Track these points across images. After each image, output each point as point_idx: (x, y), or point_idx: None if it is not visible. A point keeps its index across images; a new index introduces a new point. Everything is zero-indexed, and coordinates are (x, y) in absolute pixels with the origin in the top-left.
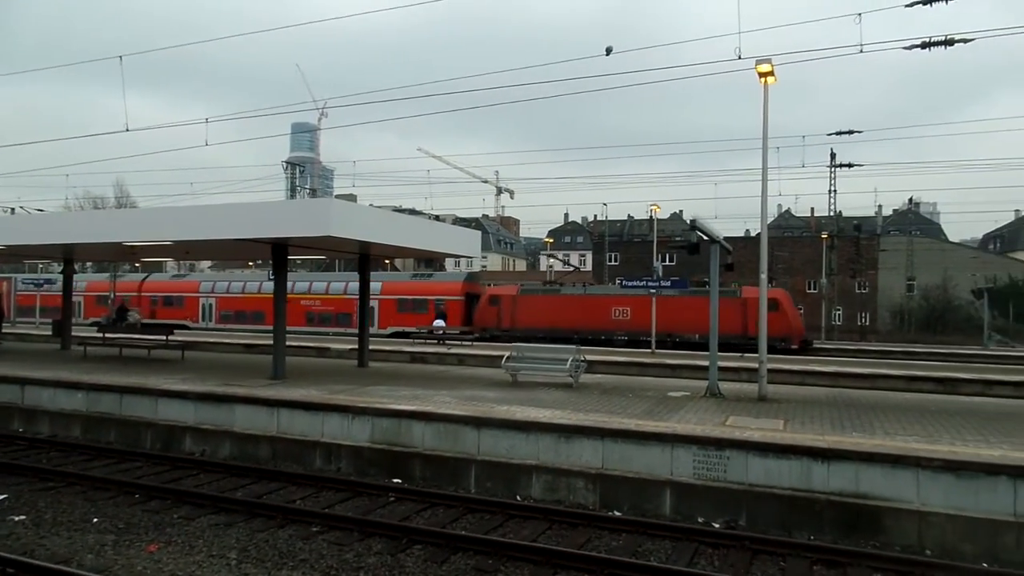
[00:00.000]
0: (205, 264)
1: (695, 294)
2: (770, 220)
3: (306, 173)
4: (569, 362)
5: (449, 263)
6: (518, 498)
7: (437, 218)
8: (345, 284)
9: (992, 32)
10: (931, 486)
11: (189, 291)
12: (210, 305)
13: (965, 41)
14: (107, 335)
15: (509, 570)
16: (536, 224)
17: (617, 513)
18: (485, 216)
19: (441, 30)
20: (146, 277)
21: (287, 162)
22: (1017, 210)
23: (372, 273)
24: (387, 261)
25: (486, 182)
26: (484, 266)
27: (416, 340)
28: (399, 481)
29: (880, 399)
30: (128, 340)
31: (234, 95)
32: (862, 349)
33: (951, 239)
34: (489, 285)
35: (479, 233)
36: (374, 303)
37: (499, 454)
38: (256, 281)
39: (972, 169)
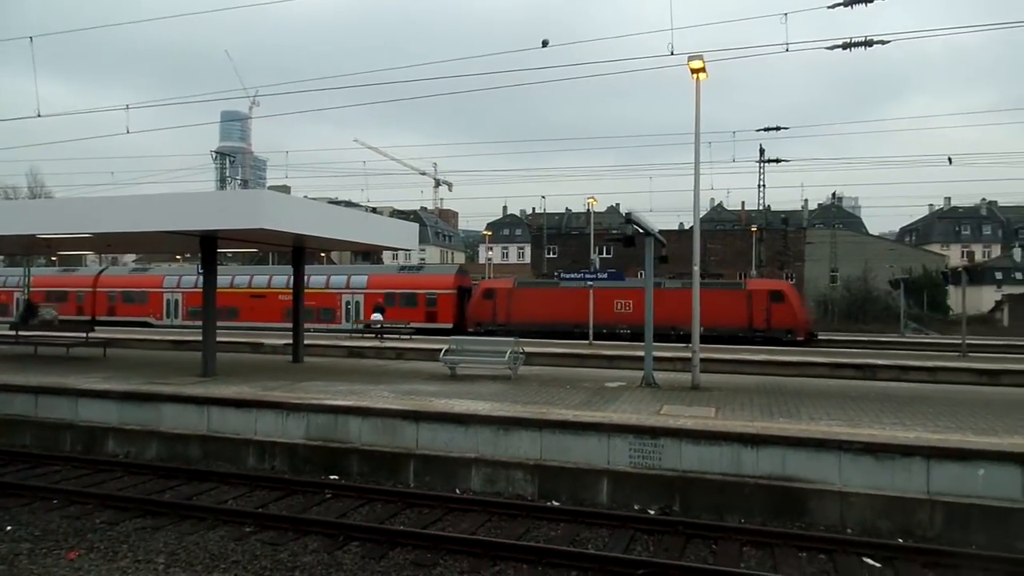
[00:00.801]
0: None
1: (701, 287)
2: (703, 214)
3: (237, 163)
4: (507, 354)
5: (386, 256)
6: (457, 491)
7: (374, 210)
8: (327, 278)
9: (906, 35)
10: (852, 468)
11: (151, 286)
12: (176, 301)
13: (883, 43)
14: (20, 333)
15: (448, 564)
16: (475, 217)
17: (556, 503)
18: (423, 208)
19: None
20: (102, 271)
21: (217, 152)
22: (931, 204)
23: (358, 267)
24: (323, 254)
25: (424, 174)
26: (423, 259)
27: (353, 335)
28: (336, 478)
29: (806, 386)
30: (44, 338)
31: (158, 81)
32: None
33: (871, 232)
34: (481, 279)
35: (416, 226)
36: (359, 297)
37: (438, 448)
38: (227, 275)
39: (890, 166)
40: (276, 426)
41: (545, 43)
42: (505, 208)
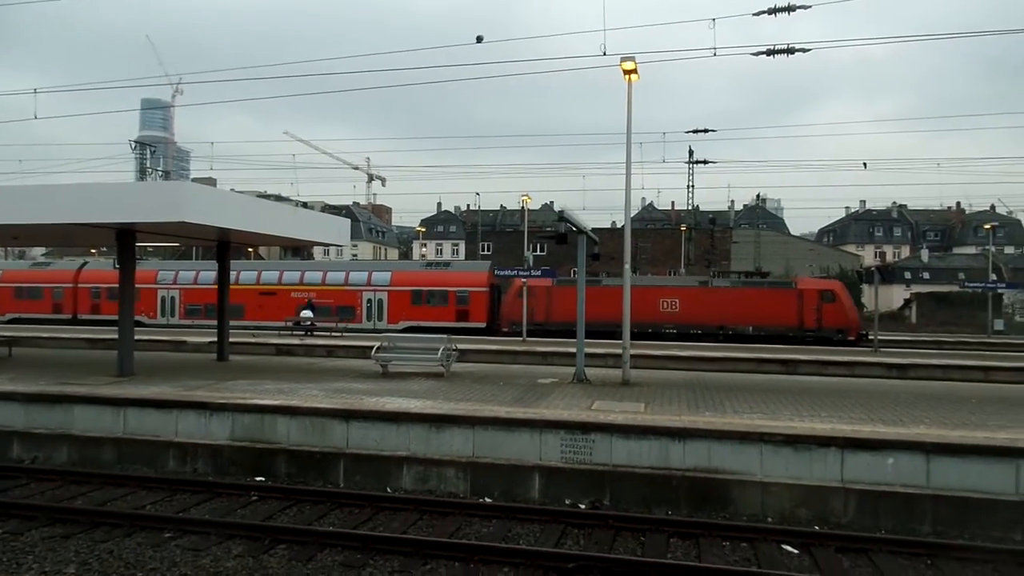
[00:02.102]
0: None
1: (747, 285)
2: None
3: (158, 154)
4: (440, 351)
5: (317, 251)
6: (388, 490)
7: (305, 205)
8: (346, 274)
9: (826, 44)
10: (773, 459)
11: (143, 281)
12: (172, 298)
13: (804, 51)
14: None
15: (378, 564)
16: (409, 213)
17: (488, 500)
18: (356, 204)
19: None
20: (83, 265)
21: (136, 141)
22: (847, 207)
23: (381, 263)
24: (250, 249)
25: (357, 168)
26: (355, 255)
27: (283, 332)
28: (262, 479)
29: (732, 380)
30: None
31: (70, 65)
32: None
33: (793, 233)
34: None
35: (348, 221)
36: (382, 295)
37: (368, 446)
38: (232, 271)
39: (809, 169)
40: (199, 427)
41: (479, 39)
42: (440, 204)
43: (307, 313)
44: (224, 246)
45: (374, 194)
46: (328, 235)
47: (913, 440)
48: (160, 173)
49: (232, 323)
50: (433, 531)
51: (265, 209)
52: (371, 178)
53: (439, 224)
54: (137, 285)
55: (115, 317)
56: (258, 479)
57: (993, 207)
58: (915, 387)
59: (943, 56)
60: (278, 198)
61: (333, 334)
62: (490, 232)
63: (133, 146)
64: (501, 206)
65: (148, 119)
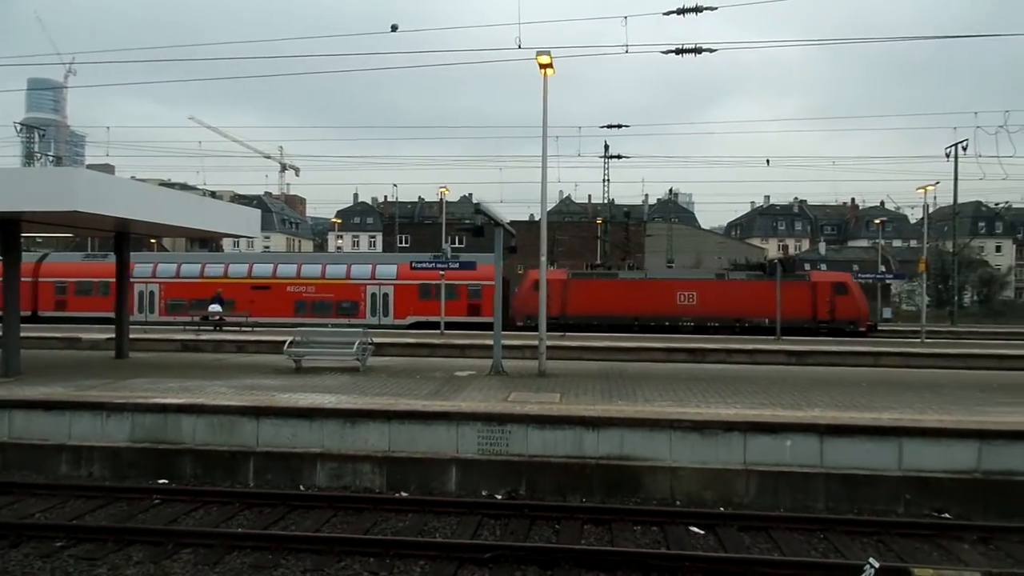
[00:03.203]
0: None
1: (760, 278)
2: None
3: (48, 137)
4: (356, 345)
5: (227, 243)
6: (302, 488)
7: (213, 195)
8: (347, 267)
9: (731, 45)
10: (681, 444)
11: (113, 276)
12: (152, 292)
13: (711, 51)
14: None
15: (290, 563)
16: (324, 204)
17: (404, 494)
18: (268, 194)
19: None
20: (44, 257)
21: (23, 124)
22: (753, 202)
23: (385, 255)
24: (152, 240)
25: (269, 158)
26: (267, 247)
27: (188, 328)
28: (165, 481)
29: (645, 370)
30: None
31: None
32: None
33: (703, 226)
34: (521, 269)
35: (258, 211)
36: (388, 289)
37: (281, 444)
38: (219, 263)
39: (718, 165)
40: (94, 429)
41: (394, 28)
42: (356, 195)
43: (215, 307)
44: (122, 237)
45: (287, 184)
46: (237, 226)
47: (809, 423)
48: (51, 158)
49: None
50: (348, 528)
51: (168, 198)
52: (284, 167)
53: (356, 215)
54: (106, 279)
55: (83, 314)
56: (161, 482)
57: (883, 203)
58: (812, 373)
59: (841, 60)
60: (183, 187)
61: (243, 329)
62: (408, 224)
63: (19, 129)
64: (420, 198)
65: (36, 100)
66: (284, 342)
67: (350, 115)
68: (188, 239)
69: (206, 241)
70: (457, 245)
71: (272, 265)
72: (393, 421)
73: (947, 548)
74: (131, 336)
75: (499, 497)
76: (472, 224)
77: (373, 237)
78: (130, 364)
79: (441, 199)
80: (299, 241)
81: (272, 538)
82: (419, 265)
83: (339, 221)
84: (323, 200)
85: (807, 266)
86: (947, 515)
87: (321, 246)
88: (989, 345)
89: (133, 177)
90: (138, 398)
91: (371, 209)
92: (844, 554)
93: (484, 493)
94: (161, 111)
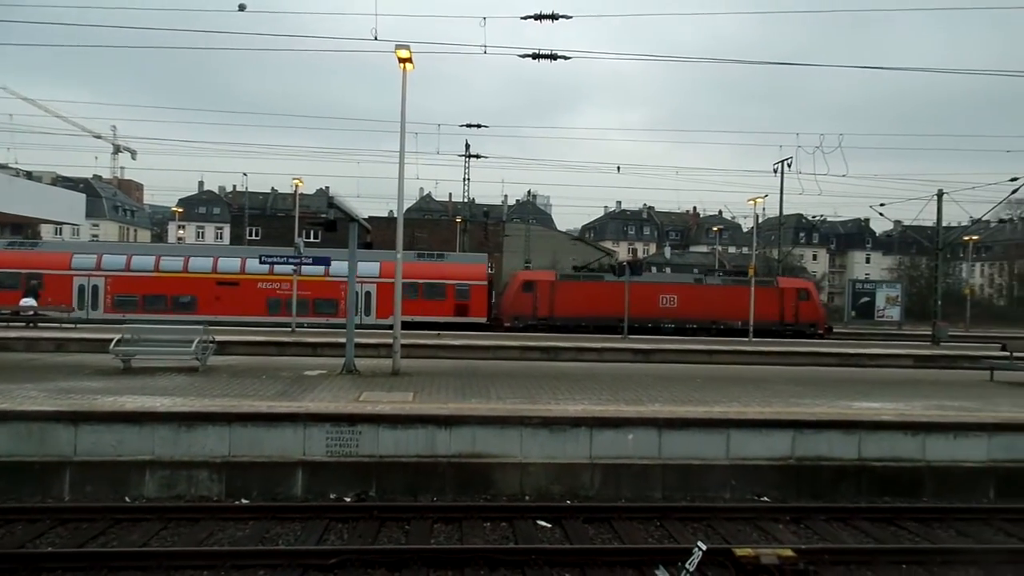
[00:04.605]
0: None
1: (738, 283)
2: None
3: None
4: (195, 344)
5: (47, 230)
6: (128, 500)
7: (29, 175)
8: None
9: (585, 54)
10: (531, 441)
11: (51, 267)
12: (96, 287)
13: (566, 58)
14: None
15: None
16: (164, 191)
17: (245, 501)
18: (98, 177)
19: None
20: None
21: None
22: (606, 206)
23: (366, 251)
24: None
25: (100, 138)
26: (95, 235)
27: None
28: None
29: (499, 368)
30: None
31: None
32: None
33: (560, 228)
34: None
35: (82, 196)
36: (370, 288)
37: (103, 452)
38: (178, 256)
39: (573, 169)
40: None
41: (242, 7)
42: (201, 184)
43: (28, 301)
44: None
45: (121, 168)
46: (56, 211)
47: (649, 417)
48: None
49: (182, 318)
50: (180, 540)
51: None
52: (117, 149)
53: (200, 205)
54: (37, 271)
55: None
56: None
57: (721, 212)
58: (655, 370)
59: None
60: None
61: (64, 326)
62: (259, 216)
63: None
64: (272, 189)
65: None
66: (111, 340)
67: (196, 98)
68: None
69: (18, 227)
70: (312, 240)
71: (240, 260)
72: (235, 424)
73: (765, 529)
74: None
75: (348, 500)
76: (325, 218)
77: (220, 229)
78: None
79: (295, 191)
80: (134, 230)
81: (89, 556)
82: (268, 259)
83: (181, 211)
84: (163, 187)
85: (653, 269)
86: (766, 498)
87: (160, 236)
88: (805, 343)
89: None
90: None
91: (218, 199)
92: (677, 539)
93: (333, 496)
94: None
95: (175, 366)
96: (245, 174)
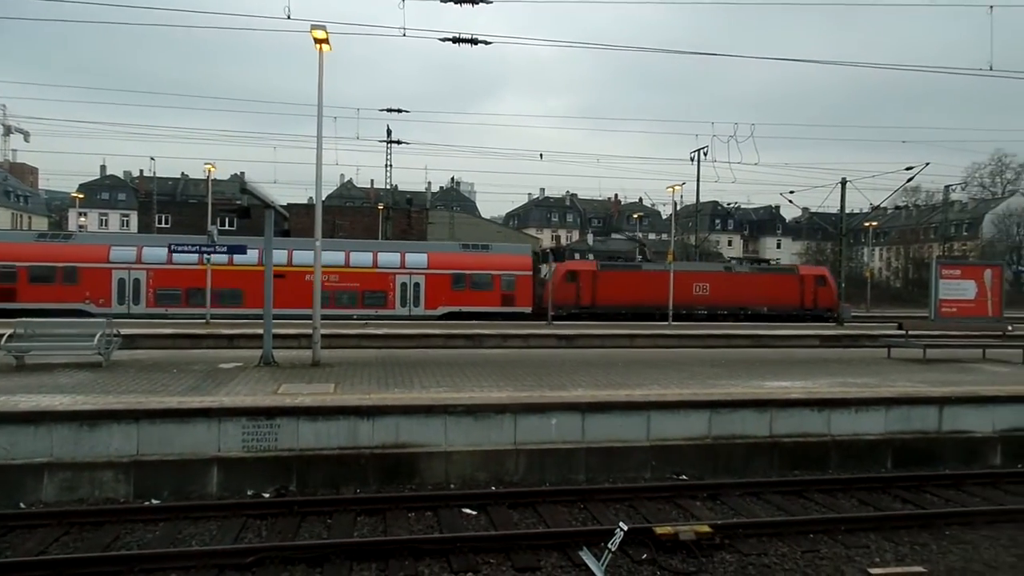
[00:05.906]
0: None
1: (762, 271)
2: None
3: None
4: (97, 337)
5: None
6: (23, 506)
7: None
8: (373, 255)
9: (511, 39)
10: (456, 429)
11: (88, 260)
12: (136, 280)
13: (486, 43)
14: None
15: None
16: (62, 176)
17: (155, 501)
18: None
19: None
20: None
21: None
22: (530, 194)
23: (414, 243)
24: None
25: None
26: None
27: None
28: None
29: (423, 356)
30: None
31: None
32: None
33: (484, 215)
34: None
35: None
36: (419, 279)
37: None
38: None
39: (496, 156)
40: None
41: None
42: (104, 168)
43: None
44: None
45: (13, 150)
46: None
47: (572, 402)
48: None
49: (228, 311)
50: (83, 546)
51: None
52: (8, 130)
53: (104, 191)
54: (74, 264)
55: (40, 305)
56: None
57: (641, 200)
58: (579, 355)
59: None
60: None
61: None
62: (169, 203)
63: None
64: (183, 174)
65: None
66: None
67: (97, 76)
68: None
69: None
70: (227, 227)
71: (288, 251)
72: (143, 421)
73: (683, 506)
74: None
75: (267, 496)
76: (238, 204)
77: (126, 216)
78: None
79: (208, 176)
80: (29, 217)
81: None
82: (180, 248)
83: (82, 196)
84: (61, 171)
85: (576, 255)
86: (684, 477)
87: (59, 223)
88: (721, 326)
89: None
90: None
91: (124, 184)
92: (600, 520)
93: (250, 493)
94: None
95: (76, 361)
96: (152, 158)
